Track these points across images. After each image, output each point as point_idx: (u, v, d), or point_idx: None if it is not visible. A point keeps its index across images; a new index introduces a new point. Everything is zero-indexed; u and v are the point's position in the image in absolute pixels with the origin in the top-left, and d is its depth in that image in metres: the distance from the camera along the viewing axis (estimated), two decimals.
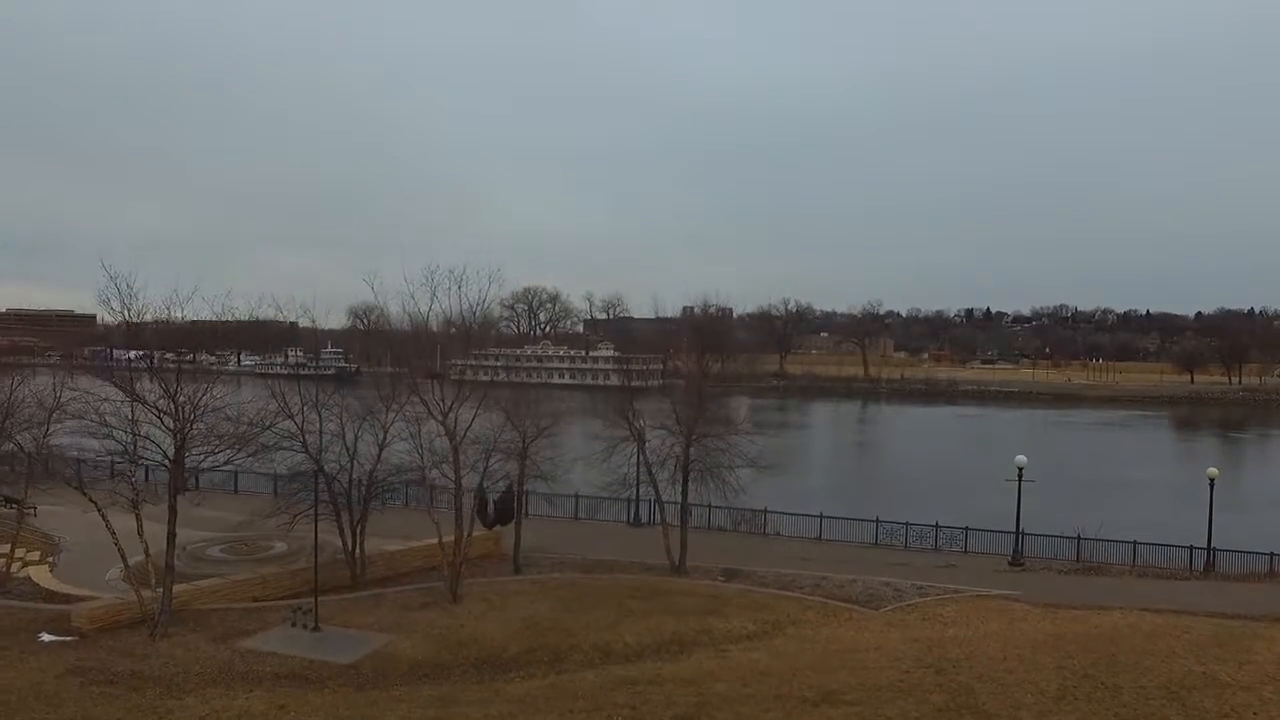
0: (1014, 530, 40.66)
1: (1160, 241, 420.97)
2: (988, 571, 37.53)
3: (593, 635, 25.74)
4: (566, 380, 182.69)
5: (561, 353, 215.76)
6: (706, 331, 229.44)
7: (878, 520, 44.43)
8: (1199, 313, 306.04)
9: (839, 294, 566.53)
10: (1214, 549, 40.69)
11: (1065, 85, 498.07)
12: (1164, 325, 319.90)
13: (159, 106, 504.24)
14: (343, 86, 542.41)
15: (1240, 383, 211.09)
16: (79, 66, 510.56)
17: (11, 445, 31.41)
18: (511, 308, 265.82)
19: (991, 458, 70.30)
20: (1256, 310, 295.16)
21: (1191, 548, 41.09)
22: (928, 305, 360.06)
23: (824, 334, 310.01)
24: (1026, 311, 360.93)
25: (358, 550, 32.71)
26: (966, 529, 43.53)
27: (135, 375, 29.78)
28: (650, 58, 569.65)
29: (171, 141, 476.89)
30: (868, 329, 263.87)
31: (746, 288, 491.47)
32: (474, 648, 24.71)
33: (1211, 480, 41.32)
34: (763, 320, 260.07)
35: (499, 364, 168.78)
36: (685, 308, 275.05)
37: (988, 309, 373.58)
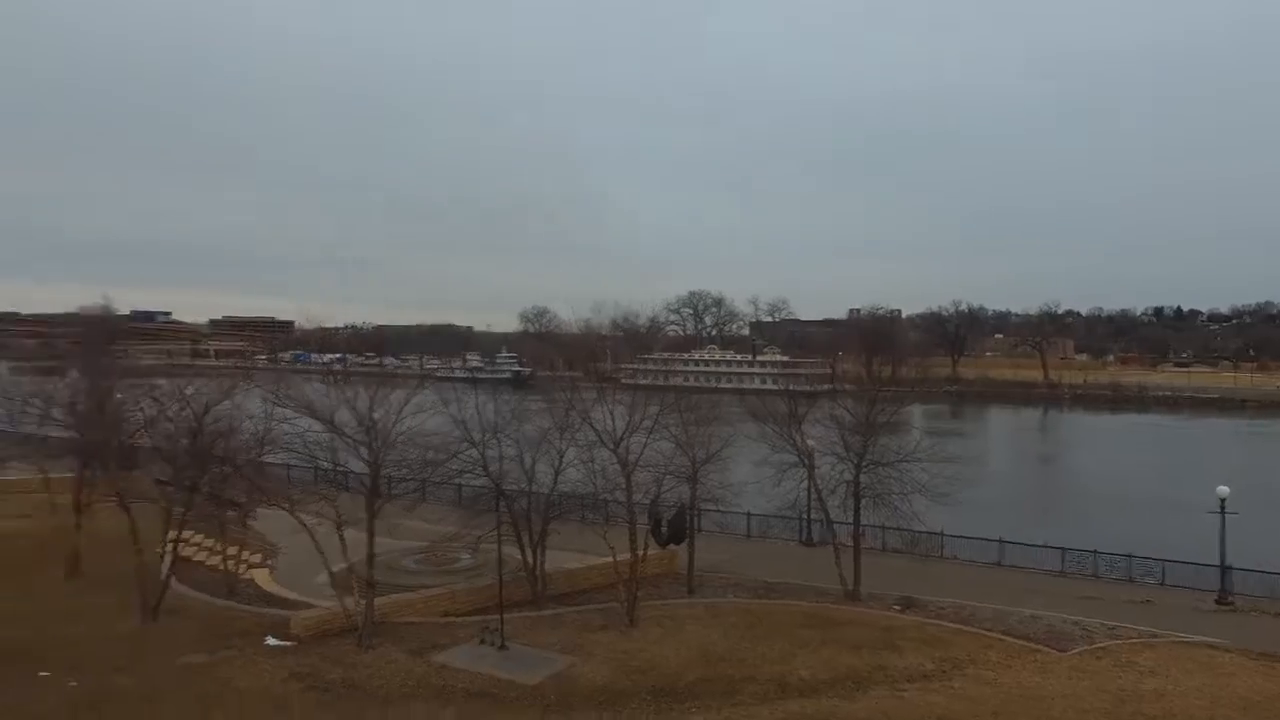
0: (1219, 565, 37.93)
1: None
2: (1189, 611, 35.16)
3: (767, 666, 25.94)
4: (731, 385, 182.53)
5: (727, 357, 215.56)
6: (874, 335, 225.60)
7: (1064, 547, 42.47)
8: None
9: (1012, 294, 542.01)
10: None
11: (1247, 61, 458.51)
12: None
13: (348, 128, 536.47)
14: (491, 96, 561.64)
15: None
16: (265, 95, 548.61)
17: (230, 467, 34.51)
18: (678, 311, 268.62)
19: (1192, 475, 65.74)
20: None
21: None
22: (1111, 304, 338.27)
23: (998, 336, 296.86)
24: (1225, 309, 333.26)
25: (538, 568, 34.15)
26: (1164, 560, 40.90)
27: (333, 394, 31.79)
28: (811, 57, 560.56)
29: (350, 160, 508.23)
30: (1045, 330, 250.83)
31: (914, 289, 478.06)
32: (651, 674, 25.39)
33: None
34: (933, 322, 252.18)
35: (665, 369, 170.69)
36: (852, 310, 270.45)
37: (1179, 307, 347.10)
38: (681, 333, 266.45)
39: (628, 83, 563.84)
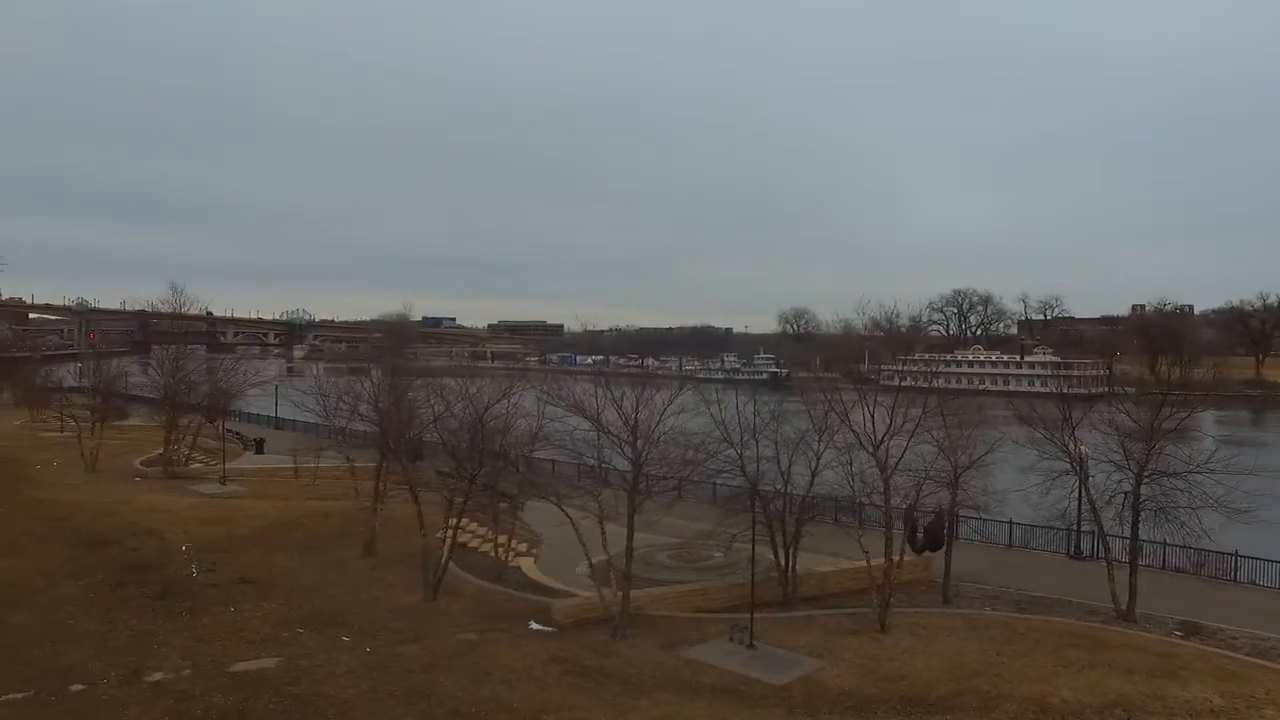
0: None
1: None
2: None
3: (1026, 685, 24.74)
4: (998, 387, 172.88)
5: (993, 357, 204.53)
6: (1160, 333, 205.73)
7: None
8: None
9: None
10: None
11: None
12: None
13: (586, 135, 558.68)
14: (738, 101, 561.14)
15: None
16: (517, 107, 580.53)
17: (504, 462, 37.42)
18: (940, 310, 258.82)
19: None
20: None
21: None
22: None
23: None
24: None
25: (789, 569, 34.44)
26: None
27: (600, 394, 33.50)
28: (1064, 39, 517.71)
29: (591, 166, 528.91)
30: None
31: (1210, 281, 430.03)
32: (901, 683, 24.98)
33: None
34: (1233, 318, 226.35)
35: (927, 370, 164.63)
36: (1135, 306, 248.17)
37: None
38: (944, 332, 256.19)
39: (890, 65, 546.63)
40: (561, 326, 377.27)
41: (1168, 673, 25.84)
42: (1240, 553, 39.16)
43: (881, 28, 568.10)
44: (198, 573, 37.32)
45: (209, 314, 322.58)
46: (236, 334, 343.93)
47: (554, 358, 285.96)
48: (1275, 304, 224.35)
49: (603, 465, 32.87)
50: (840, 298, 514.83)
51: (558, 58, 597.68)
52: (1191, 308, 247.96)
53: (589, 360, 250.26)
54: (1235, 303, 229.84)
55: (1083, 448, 35.19)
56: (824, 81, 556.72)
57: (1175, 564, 39.84)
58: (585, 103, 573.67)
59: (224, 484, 61.59)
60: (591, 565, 32.89)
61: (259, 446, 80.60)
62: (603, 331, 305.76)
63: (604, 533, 30.85)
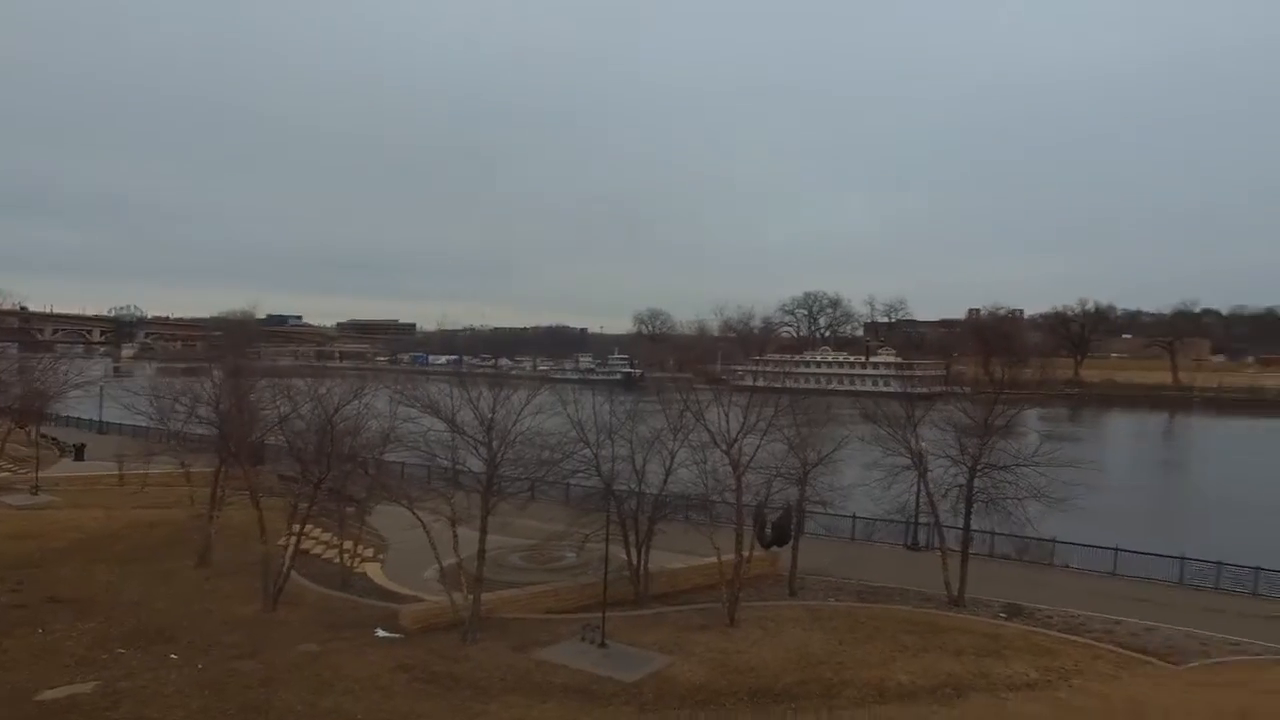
0: None
1: None
2: None
3: (866, 671, 25.81)
4: (845, 387, 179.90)
5: (840, 358, 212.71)
6: (993, 335, 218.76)
7: (1183, 557, 40.66)
8: None
9: (1146, 293, 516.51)
10: None
11: None
12: None
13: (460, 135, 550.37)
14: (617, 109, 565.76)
15: None
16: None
17: (353, 465, 36.21)
18: (792, 312, 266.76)
19: None
20: None
21: None
22: (1257, 301, 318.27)
23: (1126, 336, 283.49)
24: None
25: (641, 568, 34.72)
26: None
27: (456, 394, 32.88)
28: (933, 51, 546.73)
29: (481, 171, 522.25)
30: (1179, 330, 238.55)
31: (1039, 288, 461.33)
32: (749, 675, 25.58)
33: None
34: (1056, 322, 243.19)
35: (777, 370, 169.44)
36: (971, 310, 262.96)
37: None
38: (795, 334, 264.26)
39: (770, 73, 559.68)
40: (414, 326, 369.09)
41: (992, 652, 27.53)
42: (1058, 539, 42.14)
43: (754, 37, 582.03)
44: (0, 593, 34.29)
45: (23, 309, 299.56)
46: (56, 331, 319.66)
47: (405, 357, 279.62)
48: (1093, 310, 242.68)
49: (456, 467, 32.27)
50: (699, 300, 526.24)
51: (434, 54, 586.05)
52: (1021, 312, 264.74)
53: (442, 360, 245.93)
54: (1059, 308, 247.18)
55: (923, 444, 37.00)
56: (694, 90, 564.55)
57: (1002, 551, 42.54)
58: (461, 102, 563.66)
59: (35, 494, 56.86)
60: (442, 569, 32.25)
61: (79, 453, 74.95)
62: (457, 331, 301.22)
63: (455, 536, 30.30)
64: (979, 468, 34.58)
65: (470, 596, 29.88)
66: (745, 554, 32.32)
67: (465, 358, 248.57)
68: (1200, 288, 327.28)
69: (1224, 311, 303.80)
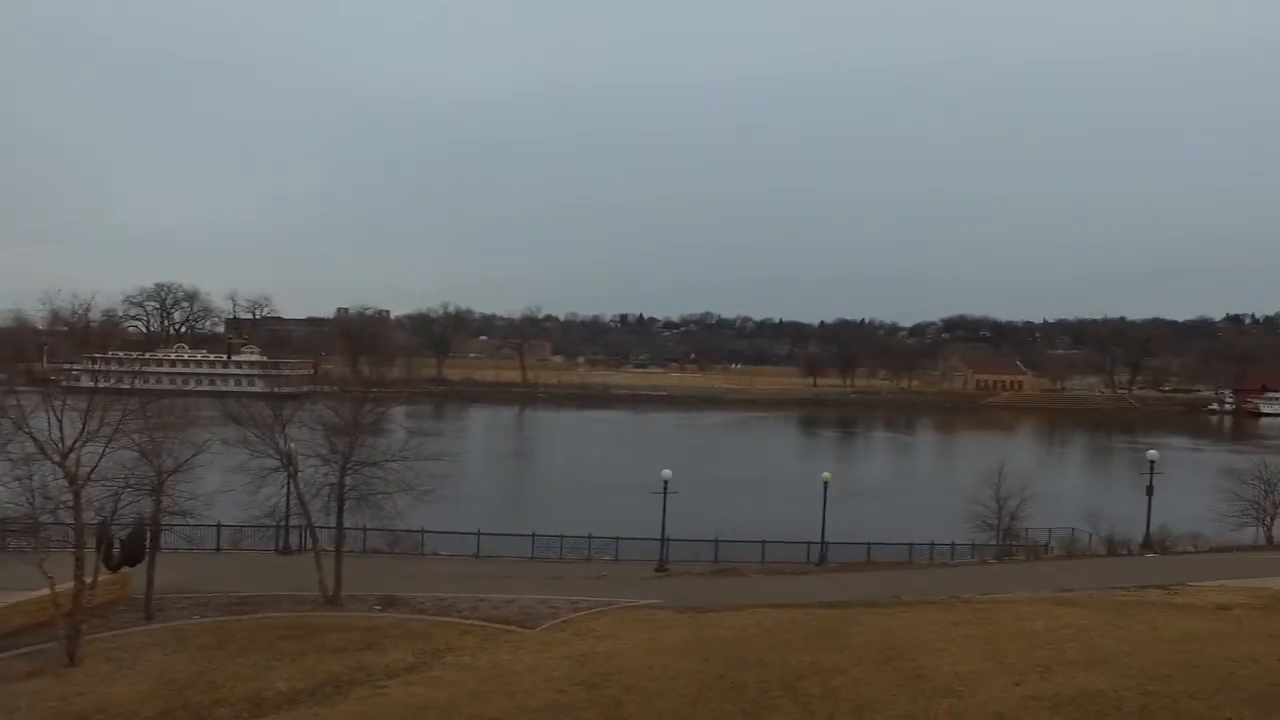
0: (660, 538, 43.83)
1: (788, 250, 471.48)
2: (637, 580, 40.15)
3: (240, 685, 24.21)
4: (207, 386, 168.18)
5: (199, 356, 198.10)
6: (361, 335, 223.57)
7: (534, 534, 45.86)
8: (822, 322, 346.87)
9: (500, 298, 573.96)
10: (826, 543, 46.65)
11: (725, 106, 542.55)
12: (794, 333, 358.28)
13: None
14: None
15: (852, 385, 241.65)
16: None
17: None
18: (140, 305, 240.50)
19: (644, 462, 74.91)
20: (866, 320, 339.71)
21: (809, 543, 46.80)
22: (586, 310, 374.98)
23: (484, 338, 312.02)
24: (676, 318, 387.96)
25: None
26: (618, 538, 46.22)
27: None
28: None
29: None
30: (527, 333, 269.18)
31: (406, 290, 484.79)
32: (98, 717, 22.28)
33: (825, 483, 47.24)
34: (421, 323, 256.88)
35: (125, 369, 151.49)
36: (340, 308, 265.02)
37: (640, 314, 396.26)
38: (145, 329, 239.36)
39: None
40: None
41: (370, 644, 27.86)
42: (426, 529, 44.41)
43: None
44: None
45: None
46: None
47: None
48: (454, 312, 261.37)
49: None
50: (24, 289, 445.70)
51: None
52: (389, 312, 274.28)
53: None
54: (423, 310, 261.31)
55: (292, 445, 35.96)
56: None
57: (375, 546, 43.41)
58: None
59: None
60: None
61: None
62: None
63: None
64: (350, 465, 34.66)
65: None
66: (88, 580, 28.04)
67: None
68: (542, 295, 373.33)
69: (561, 317, 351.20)
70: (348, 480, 34.42)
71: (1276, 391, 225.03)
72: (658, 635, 28.70)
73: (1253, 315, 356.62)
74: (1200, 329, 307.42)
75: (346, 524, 35.98)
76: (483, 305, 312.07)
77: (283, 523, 41.59)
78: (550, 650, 27.39)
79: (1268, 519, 50.11)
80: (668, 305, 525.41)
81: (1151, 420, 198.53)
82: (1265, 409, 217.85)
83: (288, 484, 35.22)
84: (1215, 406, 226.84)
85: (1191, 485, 77.83)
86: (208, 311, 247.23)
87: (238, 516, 41.50)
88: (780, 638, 28.14)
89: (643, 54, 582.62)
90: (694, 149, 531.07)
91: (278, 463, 34.48)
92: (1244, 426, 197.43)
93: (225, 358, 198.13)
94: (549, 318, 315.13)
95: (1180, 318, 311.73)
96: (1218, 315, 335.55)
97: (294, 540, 43.52)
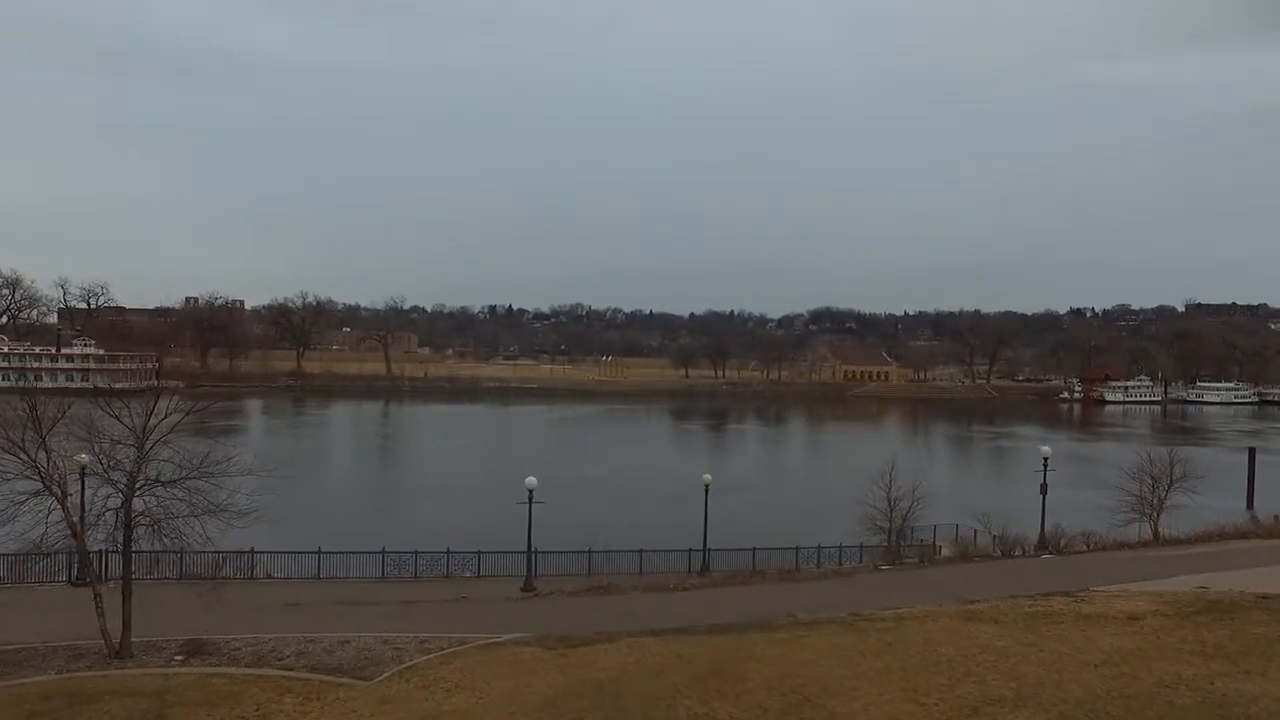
0: (527, 551, 39.06)
1: (655, 241, 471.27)
2: (500, 601, 35.45)
3: None
4: (33, 383, 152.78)
5: (23, 349, 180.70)
6: (211, 326, 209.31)
7: (384, 550, 40.33)
8: (692, 313, 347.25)
9: (364, 289, 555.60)
10: (709, 550, 42.78)
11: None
12: (665, 324, 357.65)
13: None
14: None
15: (724, 377, 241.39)
16: None
17: None
18: None
19: (513, 458, 69.91)
20: (735, 312, 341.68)
21: (690, 550, 42.84)
22: (453, 301, 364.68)
23: (347, 330, 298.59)
24: (546, 309, 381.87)
25: None
26: (479, 552, 41.19)
27: None
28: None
29: None
30: (391, 324, 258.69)
31: (262, 280, 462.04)
32: None
33: (706, 486, 43.33)
34: (279, 314, 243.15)
35: None
36: (189, 299, 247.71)
37: (510, 306, 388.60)
38: None
39: None
40: None
41: (157, 714, 21.98)
42: (256, 548, 38.48)
43: None
44: None
45: None
46: None
47: None
48: (314, 303, 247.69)
49: None
50: None
51: None
52: (243, 303, 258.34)
53: None
54: (281, 300, 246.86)
55: (63, 460, 29.00)
56: None
57: (187, 572, 36.66)
58: None
59: None
60: None
61: None
62: None
63: None
64: (139, 486, 27.84)
65: None
66: None
67: None
68: (406, 286, 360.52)
69: (428, 309, 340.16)
70: (140, 503, 27.87)
71: (1118, 380, 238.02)
72: (521, 684, 23.89)
73: (1093, 309, 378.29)
74: (1047, 321, 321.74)
75: (145, 548, 29.56)
76: (346, 296, 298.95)
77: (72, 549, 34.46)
78: (390, 710, 22.23)
79: (1154, 514, 49.08)
80: (537, 297, 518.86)
81: (1009, 409, 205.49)
82: (1109, 397, 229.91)
83: (60, 507, 28.09)
84: (1066, 395, 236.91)
85: (1067, 476, 77.93)
86: (32, 300, 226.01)
87: (23, 540, 34.32)
88: (667, 680, 23.89)
89: (523, 35, 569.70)
90: (563, 138, 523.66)
91: (39, 485, 27.44)
92: (1091, 414, 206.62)
93: (53, 351, 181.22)
94: (415, 309, 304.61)
95: (1029, 310, 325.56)
96: (1062, 309, 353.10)
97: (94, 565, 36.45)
